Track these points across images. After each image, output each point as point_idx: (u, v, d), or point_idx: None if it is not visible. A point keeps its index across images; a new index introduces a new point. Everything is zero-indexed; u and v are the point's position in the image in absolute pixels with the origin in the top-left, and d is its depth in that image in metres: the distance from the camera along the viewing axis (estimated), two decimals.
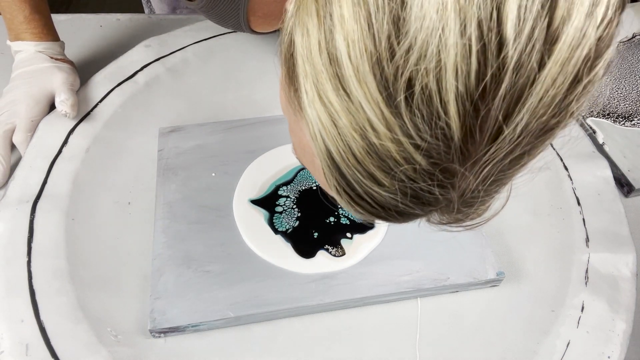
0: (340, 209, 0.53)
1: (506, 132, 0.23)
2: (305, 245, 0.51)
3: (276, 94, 0.61)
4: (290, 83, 0.29)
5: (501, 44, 0.21)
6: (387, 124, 0.24)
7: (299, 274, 0.49)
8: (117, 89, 0.63)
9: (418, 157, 0.24)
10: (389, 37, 0.22)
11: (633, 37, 0.76)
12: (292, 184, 0.55)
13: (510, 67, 0.22)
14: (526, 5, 0.21)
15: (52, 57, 0.61)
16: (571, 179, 0.58)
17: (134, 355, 0.45)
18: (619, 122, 0.65)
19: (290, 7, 0.29)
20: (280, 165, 0.57)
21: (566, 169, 0.59)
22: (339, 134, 0.25)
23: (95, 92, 0.63)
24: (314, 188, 0.55)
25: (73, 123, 0.59)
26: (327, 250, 0.50)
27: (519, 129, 0.23)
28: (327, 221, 0.52)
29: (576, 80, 0.23)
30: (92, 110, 0.61)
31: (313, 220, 0.52)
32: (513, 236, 0.55)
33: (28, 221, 0.51)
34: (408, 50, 0.22)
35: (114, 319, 0.47)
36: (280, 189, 0.55)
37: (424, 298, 0.50)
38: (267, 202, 0.54)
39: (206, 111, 0.64)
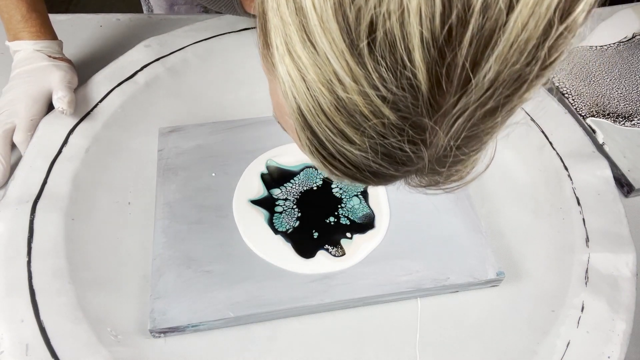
0: (340, 209, 0.53)
1: (474, 81, 0.22)
2: (305, 246, 0.51)
3: None
4: (264, 41, 0.29)
5: None
6: (353, 75, 0.23)
7: (298, 274, 0.49)
8: (117, 89, 0.63)
9: (386, 111, 0.23)
10: None
11: (633, 37, 0.76)
12: (291, 184, 0.55)
13: (477, 9, 0.21)
14: None
15: (50, 56, 0.61)
16: (571, 179, 0.58)
17: (134, 355, 0.45)
18: (619, 122, 0.65)
19: None
20: (283, 163, 0.57)
21: (566, 169, 0.59)
22: (308, 89, 0.25)
23: (95, 92, 0.62)
24: (315, 188, 0.55)
25: (73, 123, 0.59)
26: (327, 250, 0.50)
27: (488, 77, 0.22)
28: (327, 221, 0.52)
29: (550, 25, 0.22)
30: (92, 110, 0.61)
31: (313, 220, 0.52)
32: (513, 236, 0.55)
33: (28, 221, 0.51)
34: None
35: (114, 319, 0.47)
36: (281, 186, 0.55)
37: (424, 298, 0.50)
38: (267, 202, 0.54)
39: (206, 111, 0.64)
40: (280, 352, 0.47)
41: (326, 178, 0.55)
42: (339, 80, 0.23)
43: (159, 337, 0.46)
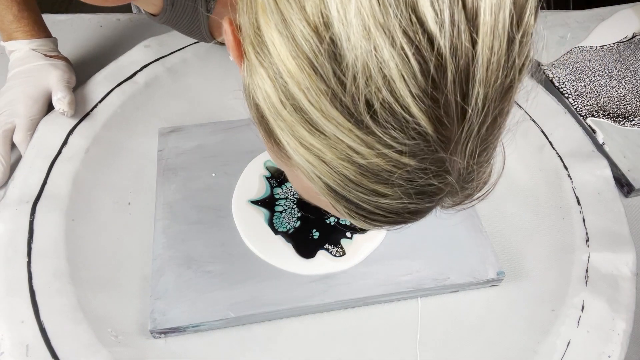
0: None
1: (470, 108, 0.25)
2: (305, 246, 0.51)
3: None
4: (270, 140, 0.31)
5: (430, 39, 0.23)
6: (366, 144, 0.26)
7: (299, 275, 0.49)
8: (117, 89, 0.63)
9: (406, 160, 0.26)
10: (334, 73, 0.24)
11: (633, 37, 0.76)
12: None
13: (447, 55, 0.23)
14: None
15: (46, 55, 0.61)
16: (571, 179, 0.58)
17: (135, 355, 0.45)
18: (619, 122, 0.65)
19: (242, 74, 0.32)
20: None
21: (566, 168, 0.59)
22: (330, 167, 0.27)
23: (94, 93, 0.62)
24: None
25: (73, 123, 0.59)
26: (327, 250, 0.50)
27: (480, 101, 0.25)
28: (328, 221, 0.52)
29: (510, 39, 0.25)
30: (91, 110, 0.61)
31: (313, 220, 0.52)
32: (513, 236, 0.55)
33: (28, 222, 0.51)
34: (355, 78, 0.24)
35: (114, 320, 0.47)
36: (281, 187, 0.55)
37: (424, 298, 0.50)
38: (267, 202, 0.54)
39: (206, 111, 0.64)
40: (281, 352, 0.47)
41: None
42: (356, 152, 0.26)
43: (160, 337, 0.46)
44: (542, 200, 0.57)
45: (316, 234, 0.51)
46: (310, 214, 0.53)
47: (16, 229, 0.50)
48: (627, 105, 0.67)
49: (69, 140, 0.58)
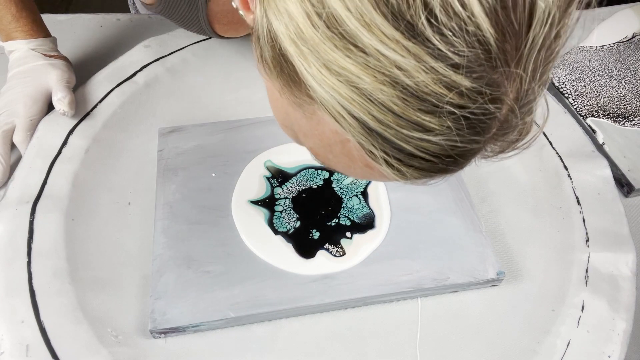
0: (341, 209, 0.53)
1: (539, 8, 0.22)
2: (305, 246, 0.51)
3: None
4: (287, 84, 0.28)
5: None
6: (415, 56, 0.22)
7: (299, 275, 0.49)
8: (116, 89, 0.63)
9: (459, 78, 0.22)
10: None
11: (633, 37, 0.76)
12: (291, 183, 0.55)
13: None
14: None
15: (45, 54, 0.61)
16: (571, 179, 0.58)
17: (135, 355, 0.45)
18: (619, 122, 0.65)
19: (255, 8, 0.28)
20: (280, 164, 0.57)
21: (566, 168, 0.59)
22: (365, 96, 0.23)
23: (94, 93, 0.62)
24: (314, 187, 0.55)
25: (73, 123, 0.59)
26: (327, 250, 0.50)
27: (548, 6, 0.22)
28: (328, 223, 0.52)
29: None
30: (91, 110, 0.61)
31: (313, 220, 0.52)
32: (513, 236, 0.55)
33: (28, 222, 0.51)
34: None
35: (114, 320, 0.47)
36: (281, 187, 0.55)
37: (424, 298, 0.50)
38: (267, 202, 0.54)
39: (206, 111, 0.64)
40: (281, 352, 0.47)
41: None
42: (401, 69, 0.22)
43: (160, 337, 0.46)
44: (542, 200, 0.57)
45: (316, 234, 0.51)
46: (307, 214, 0.53)
47: (16, 229, 0.50)
48: (627, 105, 0.67)
49: (69, 140, 0.58)
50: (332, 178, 0.56)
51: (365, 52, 0.23)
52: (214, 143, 0.58)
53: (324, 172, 0.56)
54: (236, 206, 0.53)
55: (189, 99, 0.65)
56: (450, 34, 0.22)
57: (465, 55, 0.22)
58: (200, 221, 0.52)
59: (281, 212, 0.53)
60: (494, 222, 0.56)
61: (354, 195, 0.54)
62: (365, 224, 0.52)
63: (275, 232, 0.51)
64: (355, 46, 0.23)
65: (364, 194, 0.55)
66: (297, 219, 0.52)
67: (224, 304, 0.47)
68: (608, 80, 0.70)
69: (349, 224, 0.52)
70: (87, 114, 0.61)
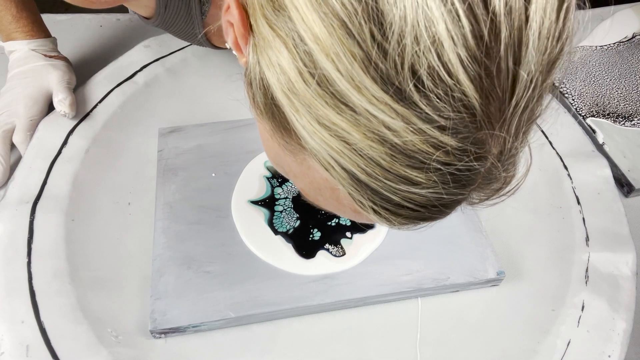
0: None
1: (521, 79, 0.23)
2: (306, 246, 0.51)
3: None
4: (278, 129, 0.29)
5: None
6: (403, 118, 0.23)
7: (299, 275, 0.49)
8: (116, 89, 0.63)
9: (446, 139, 0.23)
10: (372, 36, 0.22)
11: (633, 37, 0.76)
12: (292, 183, 0.55)
13: (502, 14, 0.22)
14: None
15: (45, 55, 0.61)
16: (571, 178, 0.58)
17: (135, 355, 0.45)
18: (619, 122, 0.65)
19: (247, 56, 0.28)
20: None
21: (566, 168, 0.59)
22: (355, 150, 0.24)
23: (94, 93, 0.63)
24: None
25: (73, 124, 0.59)
26: (327, 250, 0.50)
27: (532, 71, 0.23)
28: (328, 223, 0.52)
29: (560, 3, 0.23)
30: (91, 110, 0.61)
31: (314, 220, 0.52)
32: (513, 235, 0.55)
33: (28, 222, 0.51)
34: (400, 38, 0.21)
35: (114, 320, 0.47)
36: (281, 186, 0.55)
37: (424, 298, 0.50)
38: (267, 202, 0.54)
39: (206, 111, 0.64)
40: (281, 352, 0.47)
41: None
42: (390, 129, 0.23)
43: (160, 337, 0.46)
44: (542, 200, 0.57)
45: (317, 234, 0.51)
46: (307, 214, 0.53)
47: (16, 230, 0.50)
48: (627, 105, 0.67)
49: (69, 140, 0.58)
50: None
51: (355, 111, 0.23)
52: (214, 143, 0.58)
53: None
54: (236, 206, 0.53)
55: (189, 99, 0.66)
56: (437, 99, 0.22)
57: (451, 118, 0.23)
58: (200, 221, 0.52)
59: (281, 212, 0.53)
60: (494, 221, 0.56)
61: None
62: (366, 224, 0.52)
63: (275, 232, 0.51)
64: (346, 105, 0.23)
65: None
66: (297, 219, 0.52)
67: (224, 304, 0.47)
68: (608, 80, 0.70)
69: (349, 223, 0.52)
70: (87, 114, 0.61)
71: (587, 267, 0.52)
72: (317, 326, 0.48)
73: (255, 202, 0.53)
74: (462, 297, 0.51)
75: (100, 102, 0.62)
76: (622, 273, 0.51)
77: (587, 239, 0.54)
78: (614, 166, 0.61)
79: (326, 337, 0.48)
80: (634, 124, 0.65)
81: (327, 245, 0.51)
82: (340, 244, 0.51)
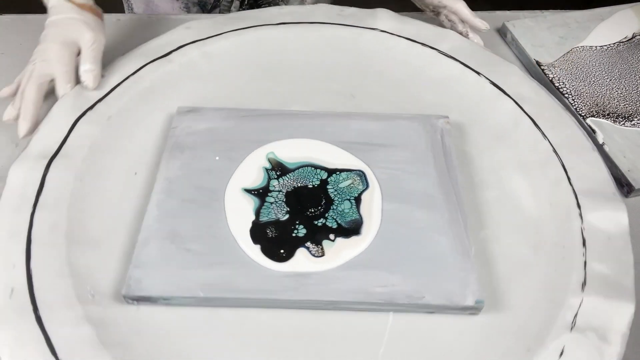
0: (330, 211, 0.53)
1: None
2: (288, 242, 0.51)
3: (296, 90, 0.65)
4: None
5: None
6: None
7: (274, 270, 0.49)
8: (150, 64, 0.66)
9: None
10: None
11: (633, 37, 0.75)
12: (288, 178, 0.56)
13: None
14: None
15: (78, 5, 0.62)
16: (582, 219, 0.55)
17: (105, 316, 0.48)
18: (619, 122, 0.64)
19: None
20: (282, 157, 0.58)
21: (579, 207, 0.55)
22: None
23: (128, 66, 0.66)
24: (310, 186, 0.55)
25: (103, 93, 0.63)
26: (307, 248, 0.50)
27: None
28: (315, 221, 0.52)
29: None
30: (122, 82, 0.64)
31: (301, 217, 0.53)
32: (505, 267, 0.53)
33: (41, 176, 0.55)
34: None
35: (95, 280, 0.50)
36: (278, 180, 0.56)
37: (397, 313, 0.49)
38: (261, 192, 0.55)
39: (227, 96, 0.66)
40: (243, 338, 0.48)
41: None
42: None
43: (132, 304, 0.49)
44: (546, 236, 0.55)
45: (302, 232, 0.52)
46: (297, 210, 0.53)
47: (30, 181, 0.54)
48: (627, 105, 0.66)
49: (96, 106, 0.61)
50: (329, 179, 0.56)
51: None
52: (225, 128, 0.60)
53: (322, 171, 0.56)
54: (230, 191, 0.54)
55: (215, 82, 0.68)
56: None
57: None
58: (194, 200, 0.54)
59: (272, 203, 0.54)
60: (488, 249, 0.54)
61: (347, 200, 0.54)
62: (352, 230, 0.52)
63: (258, 221, 0.52)
64: None
65: (358, 199, 0.54)
66: (287, 213, 0.53)
67: (197, 282, 0.48)
68: (608, 80, 0.69)
69: (335, 226, 0.52)
70: (117, 85, 0.64)
71: (577, 313, 0.49)
72: (283, 321, 0.49)
73: (248, 191, 0.54)
74: (437, 320, 0.49)
75: (132, 74, 0.65)
76: (615, 327, 0.48)
77: (584, 284, 0.51)
78: (614, 166, 0.60)
79: (289, 334, 0.48)
80: (634, 124, 0.64)
81: (308, 244, 0.51)
82: (321, 245, 0.51)
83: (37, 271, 0.49)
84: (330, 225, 0.52)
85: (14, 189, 0.54)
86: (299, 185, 0.55)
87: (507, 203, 0.57)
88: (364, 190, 0.55)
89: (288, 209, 0.53)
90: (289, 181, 0.55)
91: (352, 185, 0.55)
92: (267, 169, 0.56)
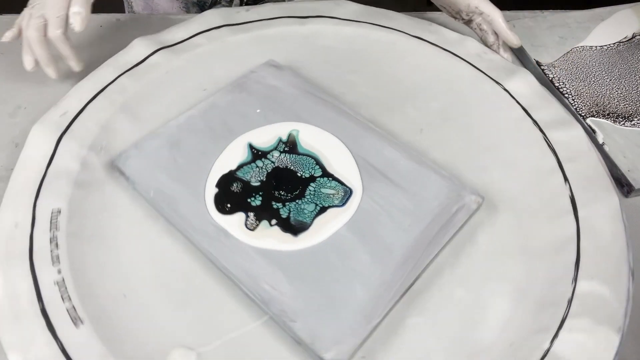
0: (293, 203, 0.54)
1: None
2: (232, 201, 0.53)
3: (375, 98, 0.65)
4: None
5: None
6: None
7: (211, 216, 0.52)
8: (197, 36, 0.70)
9: None
10: None
11: (633, 37, 0.76)
12: (289, 157, 0.57)
13: None
14: None
15: None
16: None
17: (91, 179, 0.54)
18: (619, 122, 0.65)
19: None
20: (302, 140, 0.59)
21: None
22: None
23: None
24: (298, 175, 0.56)
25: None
26: (247, 216, 0.52)
27: None
28: (273, 203, 0.54)
29: None
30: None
31: (266, 192, 0.54)
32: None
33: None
34: None
35: (112, 140, 0.57)
36: (279, 153, 0.58)
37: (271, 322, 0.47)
38: (259, 154, 0.58)
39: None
40: (174, 265, 0.50)
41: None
42: None
43: (120, 175, 0.54)
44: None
45: (257, 202, 0.53)
46: (269, 185, 0.55)
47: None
48: (627, 105, 0.67)
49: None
50: (318, 179, 0.56)
51: None
52: (286, 93, 0.64)
53: (319, 169, 0.57)
54: (240, 140, 0.59)
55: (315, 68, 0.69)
56: None
57: None
58: (213, 130, 0.59)
59: (258, 167, 0.56)
60: None
61: (314, 203, 0.54)
62: (293, 228, 0.51)
63: (234, 173, 0.56)
64: None
65: (324, 209, 0.53)
66: (260, 181, 0.55)
67: (161, 190, 0.53)
68: (608, 80, 0.70)
69: (284, 216, 0.53)
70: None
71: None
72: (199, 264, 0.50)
73: (251, 146, 0.58)
74: None
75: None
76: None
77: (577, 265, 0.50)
78: (614, 166, 0.61)
79: (196, 275, 0.49)
80: (634, 124, 0.65)
81: (250, 213, 0.52)
82: (259, 222, 0.52)
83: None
84: (281, 213, 0.52)
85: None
86: (291, 168, 0.56)
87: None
88: (336, 206, 0.53)
89: (264, 179, 0.55)
90: (287, 160, 0.57)
91: (331, 195, 0.54)
92: (281, 140, 0.59)
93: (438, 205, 0.52)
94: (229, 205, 0.52)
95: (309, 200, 0.54)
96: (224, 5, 0.87)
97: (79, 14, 0.59)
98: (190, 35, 0.68)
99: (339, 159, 0.57)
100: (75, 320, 0.44)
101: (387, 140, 0.58)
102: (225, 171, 0.56)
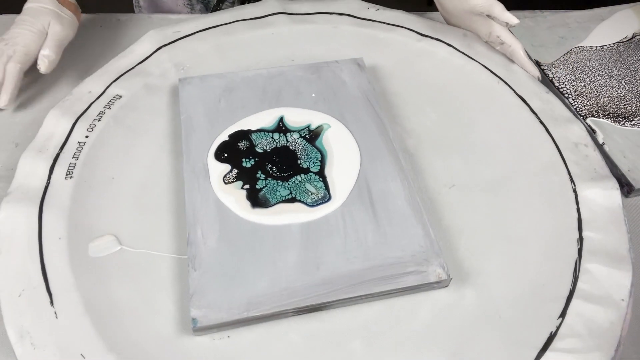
0: (278, 182, 0.55)
1: None
2: (229, 153, 0.57)
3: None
4: None
5: None
6: None
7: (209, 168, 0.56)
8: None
9: None
10: None
11: (633, 37, 0.77)
12: (301, 142, 0.59)
13: None
14: None
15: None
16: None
17: None
18: (619, 122, 0.65)
19: None
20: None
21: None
22: None
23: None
24: (298, 162, 0.57)
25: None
26: (230, 171, 0.55)
27: None
28: (257, 172, 0.56)
29: None
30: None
31: (261, 160, 0.57)
32: None
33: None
34: None
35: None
36: (301, 138, 0.59)
37: None
38: (285, 129, 0.60)
39: None
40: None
41: None
42: None
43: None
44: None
45: (249, 164, 0.56)
46: (268, 156, 0.57)
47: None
48: (627, 105, 0.67)
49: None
50: (310, 175, 0.56)
51: None
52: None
53: (318, 166, 0.57)
54: (279, 110, 0.62)
55: None
56: None
57: None
58: (265, 93, 0.63)
59: (273, 139, 0.58)
60: None
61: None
62: (258, 200, 0.53)
63: (249, 130, 0.59)
64: None
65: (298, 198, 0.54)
66: (265, 150, 0.57)
67: (190, 113, 0.60)
68: (608, 80, 0.70)
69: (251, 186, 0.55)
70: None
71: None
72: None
73: (281, 121, 0.61)
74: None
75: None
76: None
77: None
78: (614, 166, 0.61)
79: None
80: (634, 124, 0.65)
81: (233, 169, 0.55)
82: (234, 179, 0.55)
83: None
84: (258, 184, 0.55)
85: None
86: (297, 153, 0.57)
87: None
88: (305, 204, 0.53)
89: (268, 150, 0.57)
90: (300, 145, 0.58)
91: (310, 193, 0.54)
92: (308, 127, 0.61)
93: (396, 257, 0.49)
94: (225, 155, 0.56)
95: (288, 186, 0.54)
96: (228, 5, 0.86)
97: (48, 57, 0.61)
98: (317, 11, 0.74)
99: (343, 167, 0.56)
100: None
101: (402, 175, 0.55)
102: (245, 128, 0.59)
